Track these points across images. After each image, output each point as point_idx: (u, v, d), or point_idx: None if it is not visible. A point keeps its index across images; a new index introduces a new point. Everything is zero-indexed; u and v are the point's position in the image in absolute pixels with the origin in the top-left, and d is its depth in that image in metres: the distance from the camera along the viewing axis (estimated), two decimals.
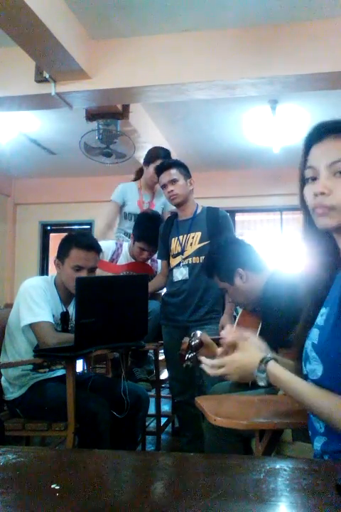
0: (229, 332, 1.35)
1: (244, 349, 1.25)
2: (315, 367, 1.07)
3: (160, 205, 3.61)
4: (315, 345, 1.08)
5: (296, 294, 1.35)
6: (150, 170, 3.44)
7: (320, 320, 1.08)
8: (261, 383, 1.17)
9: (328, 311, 1.06)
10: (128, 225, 3.55)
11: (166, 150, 3.61)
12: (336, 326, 1.01)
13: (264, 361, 1.16)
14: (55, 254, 2.39)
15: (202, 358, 1.35)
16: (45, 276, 2.50)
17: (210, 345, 1.75)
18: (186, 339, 1.73)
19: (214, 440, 1.80)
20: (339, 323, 1.00)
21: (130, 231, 3.45)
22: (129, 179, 3.81)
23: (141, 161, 5.76)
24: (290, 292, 1.64)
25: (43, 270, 8.53)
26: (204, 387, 2.57)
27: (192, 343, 1.69)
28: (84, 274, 2.25)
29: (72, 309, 2.39)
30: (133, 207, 3.55)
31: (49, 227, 8.71)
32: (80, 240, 2.31)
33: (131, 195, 3.58)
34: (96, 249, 2.35)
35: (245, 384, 1.93)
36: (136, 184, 3.64)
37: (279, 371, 1.14)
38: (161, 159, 3.37)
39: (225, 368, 1.27)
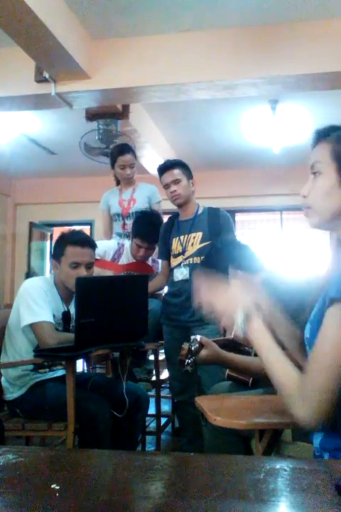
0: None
1: (239, 284, 1.19)
2: None
3: (144, 198, 3.67)
4: (308, 339, 1.10)
5: (293, 297, 1.36)
6: (117, 169, 3.63)
7: (312, 314, 1.11)
8: (239, 331, 1.11)
9: (317, 305, 1.08)
10: (117, 226, 3.68)
11: (127, 144, 3.78)
12: (321, 319, 1.02)
13: (249, 310, 1.10)
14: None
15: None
16: (44, 277, 2.50)
17: (211, 346, 1.75)
18: (186, 344, 1.73)
19: (214, 440, 1.80)
20: (323, 316, 1.01)
21: (120, 231, 3.61)
22: None
23: (141, 160, 5.80)
24: (286, 295, 1.64)
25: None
26: (203, 385, 2.57)
27: (192, 348, 1.69)
28: (81, 270, 2.26)
29: (73, 308, 2.39)
30: (116, 208, 3.70)
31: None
32: (74, 237, 2.33)
33: (113, 199, 3.74)
34: (91, 244, 2.37)
35: (245, 384, 1.93)
36: (117, 188, 3.80)
37: (257, 326, 1.09)
38: (124, 154, 3.55)
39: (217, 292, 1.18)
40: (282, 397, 1.03)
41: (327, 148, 1.10)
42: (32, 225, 8.11)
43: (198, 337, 1.74)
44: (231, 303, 1.14)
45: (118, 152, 3.59)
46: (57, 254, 2.33)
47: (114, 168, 3.65)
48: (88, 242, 2.35)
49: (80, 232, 2.44)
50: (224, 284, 1.20)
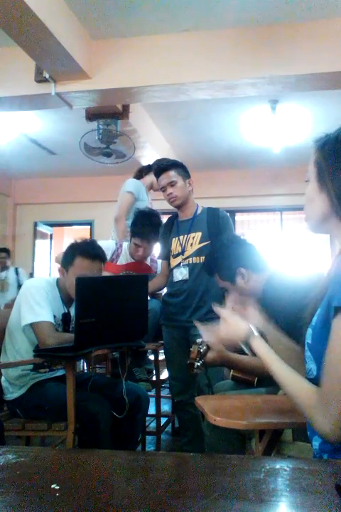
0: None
1: (227, 321, 1.32)
2: (311, 366, 1.09)
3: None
4: (309, 344, 1.10)
5: (296, 296, 1.36)
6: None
7: (314, 320, 1.10)
8: (247, 352, 1.25)
9: (320, 311, 1.08)
10: None
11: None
12: (324, 326, 1.02)
13: (247, 337, 1.23)
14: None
15: (196, 323, 1.43)
16: (47, 278, 2.50)
17: (217, 347, 1.75)
18: (194, 347, 1.73)
19: (214, 440, 1.80)
20: (327, 323, 1.01)
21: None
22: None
23: (141, 160, 5.80)
24: (290, 294, 1.64)
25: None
26: (212, 387, 2.57)
27: (201, 351, 1.69)
28: None
29: (73, 311, 2.39)
30: (146, 204, 3.66)
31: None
32: (86, 248, 2.31)
33: (143, 195, 3.74)
34: (101, 258, 2.35)
35: (245, 384, 1.93)
36: (144, 186, 3.79)
37: (260, 348, 1.21)
38: None
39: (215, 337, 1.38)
40: (302, 413, 1.04)
41: (313, 157, 1.15)
42: (36, 224, 8.13)
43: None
44: (233, 334, 1.29)
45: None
46: (66, 262, 2.32)
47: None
48: (99, 256, 2.33)
49: (93, 244, 2.40)
50: (224, 318, 1.34)
